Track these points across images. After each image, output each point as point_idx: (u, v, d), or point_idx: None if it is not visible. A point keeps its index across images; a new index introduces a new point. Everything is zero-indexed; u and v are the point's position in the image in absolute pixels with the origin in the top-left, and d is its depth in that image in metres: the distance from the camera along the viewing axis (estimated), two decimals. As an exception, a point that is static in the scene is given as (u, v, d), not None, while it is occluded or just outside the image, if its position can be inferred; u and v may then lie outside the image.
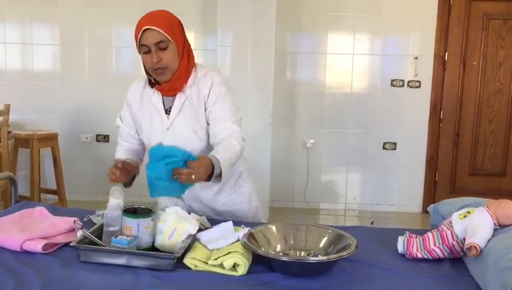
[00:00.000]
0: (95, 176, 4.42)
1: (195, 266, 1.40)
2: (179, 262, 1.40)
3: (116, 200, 1.52)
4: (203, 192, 1.87)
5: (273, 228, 1.61)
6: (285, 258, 1.44)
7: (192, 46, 1.82)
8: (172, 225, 1.51)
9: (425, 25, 4.39)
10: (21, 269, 1.36)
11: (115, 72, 4.44)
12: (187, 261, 1.41)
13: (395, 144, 4.55)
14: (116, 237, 1.43)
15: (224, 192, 1.90)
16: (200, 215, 1.74)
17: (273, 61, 3.88)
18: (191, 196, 1.86)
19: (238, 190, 1.94)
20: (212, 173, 1.57)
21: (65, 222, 1.65)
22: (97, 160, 4.45)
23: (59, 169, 4.02)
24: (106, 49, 4.41)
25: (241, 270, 1.37)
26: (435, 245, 1.52)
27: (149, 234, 1.48)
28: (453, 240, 1.50)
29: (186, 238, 1.49)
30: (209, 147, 1.75)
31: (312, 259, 1.48)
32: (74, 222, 1.65)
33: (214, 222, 1.72)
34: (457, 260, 1.52)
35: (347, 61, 4.47)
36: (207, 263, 1.39)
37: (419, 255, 1.53)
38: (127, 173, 1.71)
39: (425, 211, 4.34)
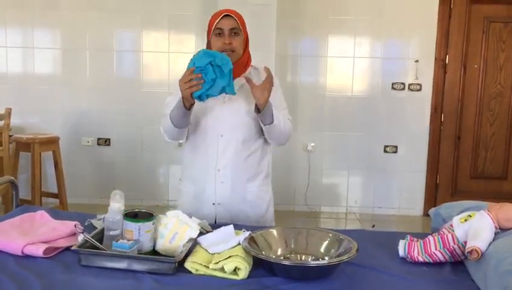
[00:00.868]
0: (96, 179, 4.42)
1: (196, 270, 1.40)
2: (179, 266, 1.40)
3: (117, 204, 1.52)
4: (237, 175, 1.94)
5: (274, 231, 1.61)
6: (286, 262, 1.44)
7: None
8: (174, 228, 1.51)
9: (426, 28, 4.40)
10: (22, 274, 1.36)
11: (116, 76, 4.42)
12: (188, 265, 1.41)
13: (396, 147, 4.55)
14: (117, 241, 1.43)
15: (255, 181, 1.98)
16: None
17: (274, 64, 3.88)
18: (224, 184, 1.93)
19: (264, 188, 2.03)
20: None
21: (66, 226, 1.65)
22: (98, 164, 4.44)
23: (60, 173, 4.02)
24: (107, 53, 4.41)
25: (242, 274, 1.37)
26: (436, 249, 1.52)
27: (150, 238, 1.49)
28: (454, 243, 1.50)
29: (187, 242, 1.49)
30: (260, 131, 1.92)
31: (313, 263, 1.47)
32: (75, 226, 1.64)
33: (214, 226, 1.72)
34: (459, 263, 1.52)
35: (348, 65, 4.48)
36: (208, 267, 1.39)
37: (420, 259, 1.52)
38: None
39: (426, 214, 4.32)
